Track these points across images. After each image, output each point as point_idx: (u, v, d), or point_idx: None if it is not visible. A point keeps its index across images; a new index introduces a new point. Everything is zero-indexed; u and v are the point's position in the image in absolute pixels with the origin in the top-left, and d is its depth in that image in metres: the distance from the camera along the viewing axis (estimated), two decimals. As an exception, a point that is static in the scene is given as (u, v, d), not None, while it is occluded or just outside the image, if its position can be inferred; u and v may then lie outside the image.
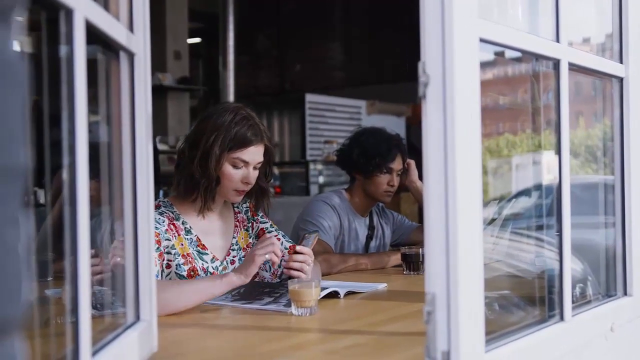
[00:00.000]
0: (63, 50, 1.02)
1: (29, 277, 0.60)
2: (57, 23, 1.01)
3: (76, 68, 1.01)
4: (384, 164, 2.96)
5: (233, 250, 2.31)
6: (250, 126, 2.17)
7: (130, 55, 1.34)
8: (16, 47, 0.59)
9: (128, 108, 1.35)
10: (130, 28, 1.34)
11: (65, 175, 1.01)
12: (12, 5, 0.58)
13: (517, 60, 1.74)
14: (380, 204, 3.18)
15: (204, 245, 2.22)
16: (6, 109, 0.56)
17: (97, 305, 1.32)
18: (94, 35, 1.11)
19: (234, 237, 2.33)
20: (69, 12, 0.99)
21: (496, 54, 1.49)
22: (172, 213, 2.19)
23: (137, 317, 1.37)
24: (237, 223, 2.36)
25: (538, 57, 1.54)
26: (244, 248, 2.34)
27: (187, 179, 2.18)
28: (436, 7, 1.16)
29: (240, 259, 2.30)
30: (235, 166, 2.17)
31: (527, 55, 1.58)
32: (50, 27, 1.03)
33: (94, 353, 1.09)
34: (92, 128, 1.09)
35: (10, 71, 0.57)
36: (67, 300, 1.21)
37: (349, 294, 2.15)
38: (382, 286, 2.33)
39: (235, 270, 2.00)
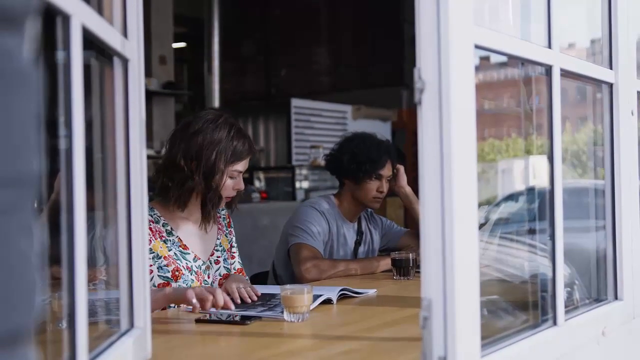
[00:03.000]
0: (59, 55, 1.01)
1: (41, 285, 0.60)
2: (53, 28, 1.01)
3: (73, 73, 1.00)
4: (374, 170, 2.96)
5: (217, 250, 2.40)
6: (246, 139, 2.29)
7: (125, 61, 1.34)
8: (29, 54, 0.59)
9: (122, 114, 1.35)
10: (125, 34, 1.34)
11: (62, 181, 1.00)
12: (25, 14, 0.58)
13: (503, 65, 1.75)
14: (369, 209, 3.18)
15: (185, 245, 2.28)
16: (21, 116, 0.56)
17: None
18: (89, 41, 1.11)
19: (217, 239, 2.41)
20: (66, 18, 0.99)
21: (482, 58, 1.49)
22: (152, 216, 2.21)
23: (131, 324, 1.36)
24: (220, 226, 2.45)
25: (531, 63, 1.55)
26: (227, 250, 2.43)
27: (187, 193, 2.23)
28: (432, 13, 1.16)
29: (224, 259, 2.40)
30: (231, 177, 2.27)
31: (515, 61, 1.59)
32: (46, 32, 1.03)
33: (90, 361, 1.08)
34: (85, 134, 1.08)
35: (25, 79, 0.57)
36: (58, 307, 1.20)
37: (342, 297, 2.16)
38: (372, 292, 2.34)
39: (173, 290, 2.08)
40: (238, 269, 2.41)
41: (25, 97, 0.57)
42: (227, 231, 2.47)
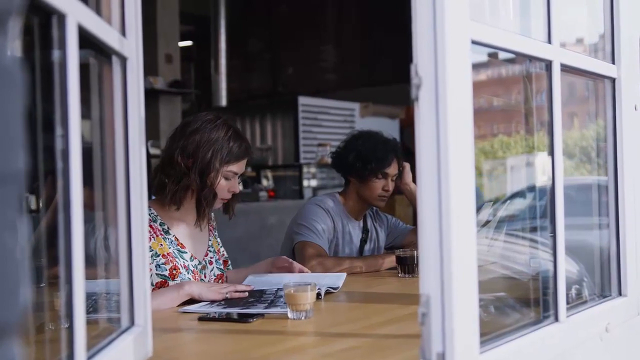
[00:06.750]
0: (55, 54, 1.01)
1: (26, 282, 0.60)
2: (49, 27, 1.01)
3: (69, 73, 1.01)
4: (380, 169, 2.95)
5: (210, 251, 2.43)
6: (243, 141, 2.33)
7: (123, 60, 1.34)
8: (13, 52, 0.59)
9: (121, 113, 1.35)
10: (123, 32, 1.34)
11: (59, 180, 1.00)
12: (9, 11, 0.58)
13: (511, 61, 1.74)
14: (374, 207, 3.18)
15: (182, 244, 2.31)
16: (5, 114, 0.56)
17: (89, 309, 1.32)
18: (86, 40, 1.11)
19: (209, 240, 2.45)
20: (62, 17, 0.99)
21: (489, 55, 1.49)
22: (149, 215, 2.24)
23: (132, 322, 1.36)
24: (211, 228, 2.48)
25: (530, 58, 1.55)
26: (217, 251, 2.46)
27: (182, 190, 2.27)
28: (428, 8, 1.16)
29: (216, 260, 2.43)
30: (226, 178, 2.30)
31: (520, 57, 1.58)
32: (42, 31, 1.03)
33: (89, 358, 1.09)
34: (84, 133, 1.08)
35: (9, 77, 0.57)
36: (59, 306, 1.21)
37: (327, 293, 2.19)
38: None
39: (193, 284, 2.14)
40: (218, 274, 2.42)
41: (10, 95, 0.58)
42: (215, 234, 2.51)
